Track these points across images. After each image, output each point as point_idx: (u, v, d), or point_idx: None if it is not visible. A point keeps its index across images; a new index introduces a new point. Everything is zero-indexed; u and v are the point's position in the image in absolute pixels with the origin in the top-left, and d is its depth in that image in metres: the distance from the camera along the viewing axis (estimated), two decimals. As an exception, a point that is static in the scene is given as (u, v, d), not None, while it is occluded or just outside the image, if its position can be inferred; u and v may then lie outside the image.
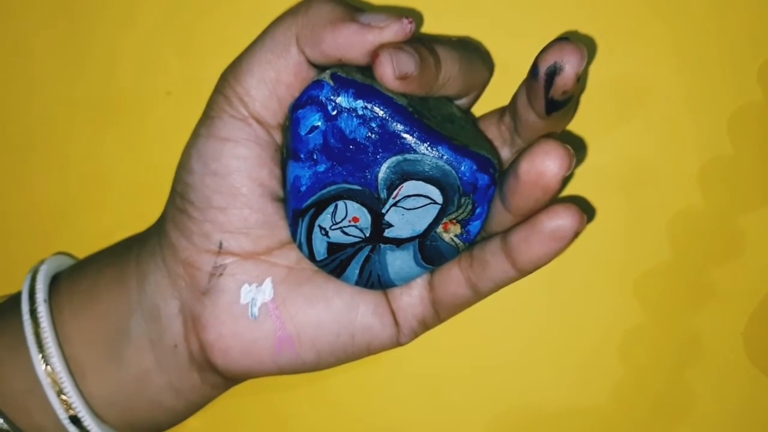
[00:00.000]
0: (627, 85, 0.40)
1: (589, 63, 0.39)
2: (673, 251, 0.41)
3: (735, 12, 0.39)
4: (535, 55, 0.32)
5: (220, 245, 0.35)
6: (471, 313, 0.38)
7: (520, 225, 0.33)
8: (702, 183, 0.41)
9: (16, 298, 0.39)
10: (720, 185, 0.41)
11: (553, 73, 0.31)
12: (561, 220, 0.32)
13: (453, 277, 0.36)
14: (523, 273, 0.34)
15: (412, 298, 0.37)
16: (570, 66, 0.30)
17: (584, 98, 0.40)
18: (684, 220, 0.41)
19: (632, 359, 0.42)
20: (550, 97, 0.31)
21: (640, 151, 0.41)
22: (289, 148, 0.34)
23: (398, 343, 0.37)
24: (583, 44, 0.31)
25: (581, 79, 0.31)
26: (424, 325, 0.37)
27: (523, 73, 0.33)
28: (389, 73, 0.31)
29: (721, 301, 0.41)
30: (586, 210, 0.33)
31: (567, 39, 0.31)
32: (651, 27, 0.40)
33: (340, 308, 0.36)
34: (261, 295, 0.36)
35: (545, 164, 0.31)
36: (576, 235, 0.33)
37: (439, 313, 0.37)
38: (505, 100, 0.36)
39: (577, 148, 0.40)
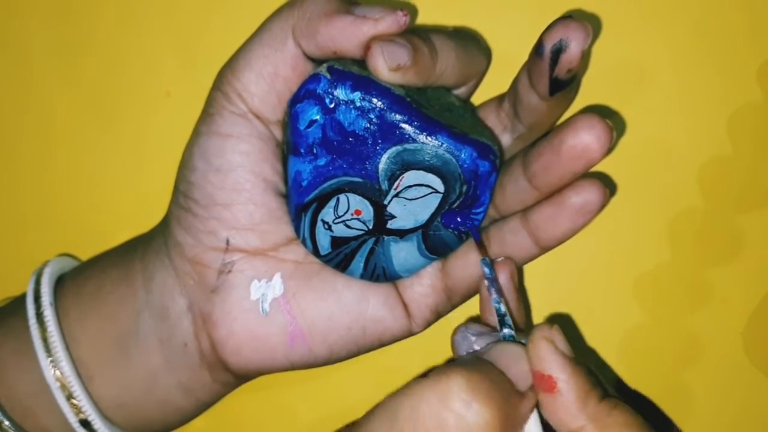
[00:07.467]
0: (624, 87, 0.41)
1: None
2: (673, 251, 0.41)
3: (735, 12, 0.40)
4: (532, 43, 0.32)
5: (227, 242, 0.35)
6: (474, 312, 0.38)
7: (543, 202, 0.34)
8: (702, 183, 0.41)
9: (19, 300, 0.38)
10: (720, 185, 0.41)
11: (559, 50, 0.31)
12: (588, 194, 0.33)
13: (470, 262, 0.36)
14: (544, 250, 0.35)
15: (423, 287, 0.37)
16: (575, 43, 0.31)
17: (579, 101, 0.40)
18: (684, 220, 0.41)
19: (632, 359, 0.42)
20: (555, 76, 0.32)
21: (639, 151, 0.41)
22: (289, 144, 0.33)
23: (411, 333, 0.37)
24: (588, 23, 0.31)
25: (584, 59, 0.31)
26: (437, 314, 0.37)
27: (519, 62, 0.34)
28: (381, 64, 0.31)
29: (721, 301, 0.42)
30: (607, 185, 0.33)
31: (571, 17, 0.31)
32: (650, 27, 0.40)
33: (350, 301, 0.36)
34: (271, 290, 0.35)
35: (589, 138, 0.31)
36: (601, 208, 0.33)
37: (452, 299, 0.37)
38: (502, 90, 0.36)
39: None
